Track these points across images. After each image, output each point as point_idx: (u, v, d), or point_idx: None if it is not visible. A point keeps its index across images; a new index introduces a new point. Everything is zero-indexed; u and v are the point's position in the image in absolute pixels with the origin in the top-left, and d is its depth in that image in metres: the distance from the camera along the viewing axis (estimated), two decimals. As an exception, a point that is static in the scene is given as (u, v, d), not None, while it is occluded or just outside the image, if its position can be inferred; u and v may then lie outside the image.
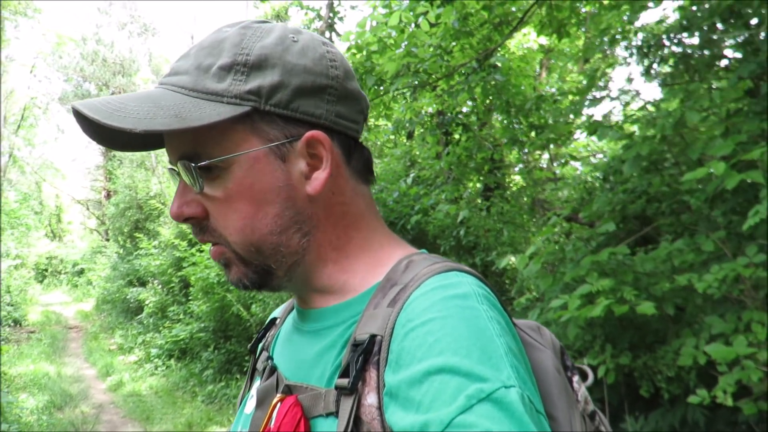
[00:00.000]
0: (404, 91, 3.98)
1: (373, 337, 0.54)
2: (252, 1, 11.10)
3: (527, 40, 6.96)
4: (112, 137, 0.63)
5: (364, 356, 0.54)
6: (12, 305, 12.25)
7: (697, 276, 2.32)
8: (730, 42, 2.61)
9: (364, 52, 3.78)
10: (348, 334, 0.60)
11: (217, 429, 5.66)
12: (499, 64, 4.66)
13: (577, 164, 6.60)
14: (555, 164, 6.74)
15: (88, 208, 23.67)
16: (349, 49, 3.82)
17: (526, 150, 4.89)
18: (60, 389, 7.15)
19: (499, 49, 4.22)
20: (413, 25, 3.63)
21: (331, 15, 9.63)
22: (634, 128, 2.97)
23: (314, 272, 0.65)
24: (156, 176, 11.69)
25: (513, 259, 3.55)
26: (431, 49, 3.56)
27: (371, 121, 6.17)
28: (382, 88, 3.85)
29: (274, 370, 0.68)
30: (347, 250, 0.65)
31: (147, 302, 9.99)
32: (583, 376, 0.69)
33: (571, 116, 3.26)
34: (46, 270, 24.28)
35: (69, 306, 16.89)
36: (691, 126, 2.53)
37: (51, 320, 13.60)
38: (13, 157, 20.30)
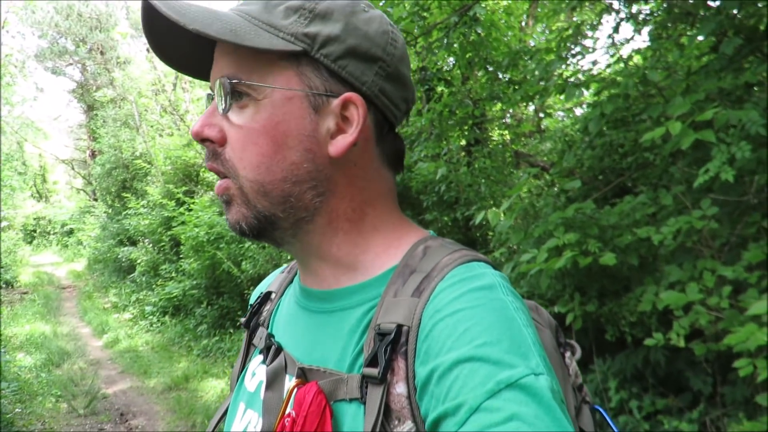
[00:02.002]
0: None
1: (399, 327, 0.55)
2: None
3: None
4: (172, 47, 0.64)
5: (392, 346, 0.54)
6: (2, 267, 12.33)
7: (655, 229, 2.46)
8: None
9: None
10: (368, 318, 0.60)
11: (213, 381, 5.91)
12: (481, 17, 4.65)
13: (563, 115, 6.65)
14: (541, 116, 6.79)
15: (73, 168, 23.42)
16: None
17: (503, 107, 4.94)
18: (57, 347, 7.35)
19: (478, 2, 4.20)
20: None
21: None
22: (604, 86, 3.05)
23: (323, 238, 0.64)
24: (140, 135, 11.58)
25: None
26: (407, 7, 3.56)
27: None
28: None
29: (280, 349, 0.67)
30: (360, 225, 0.65)
31: (139, 261, 10.12)
32: (573, 351, 0.71)
33: (537, 73, 3.31)
34: (35, 231, 24.25)
35: (60, 266, 17.01)
36: (656, 84, 2.62)
37: (43, 281, 13.74)
38: (-7, 117, 19.83)
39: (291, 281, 0.77)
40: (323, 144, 0.60)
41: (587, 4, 3.90)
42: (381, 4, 3.65)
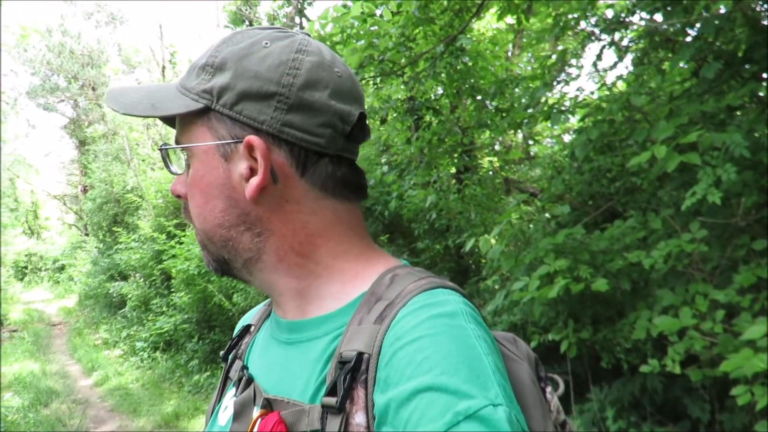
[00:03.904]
0: (369, 80, 4.03)
1: (360, 354, 0.54)
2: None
3: (496, 20, 7.01)
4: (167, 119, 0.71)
5: (352, 374, 0.53)
6: (-8, 305, 12.13)
7: (645, 253, 2.45)
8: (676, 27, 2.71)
9: (328, 44, 3.81)
10: (332, 348, 0.59)
11: (203, 418, 5.76)
12: (467, 47, 4.72)
13: (552, 142, 6.71)
14: (530, 143, 6.85)
15: (65, 204, 23.33)
16: (324, 39, 3.84)
17: (492, 135, 4.97)
18: (45, 386, 7.17)
19: (463, 33, 4.27)
20: (378, 13, 3.67)
21: (300, 0, 9.54)
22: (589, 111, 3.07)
23: (278, 274, 0.65)
24: (131, 169, 11.58)
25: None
26: (393, 38, 3.61)
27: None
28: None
29: (250, 381, 0.67)
30: (314, 257, 0.64)
31: (129, 296, 9.98)
32: (555, 386, 0.70)
33: (524, 101, 3.34)
34: (26, 267, 23.97)
35: (51, 303, 16.75)
36: (639, 108, 2.64)
37: (33, 318, 13.50)
38: (-16, 154, 19.83)
39: (269, 314, 0.77)
40: (240, 189, 0.62)
41: (569, 33, 3.97)
42: (366, 34, 3.70)
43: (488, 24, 6.92)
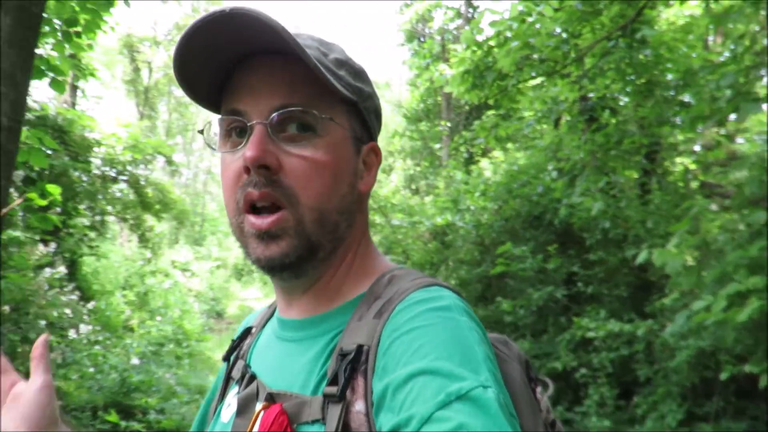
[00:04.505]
0: (529, 82, 3.86)
1: (360, 347, 0.57)
2: (401, 1, 11.47)
3: (689, 6, 6.16)
4: (199, 81, 0.65)
5: (352, 365, 0.56)
6: (215, 300, 14.38)
7: None
8: None
9: (485, 48, 3.76)
10: (333, 344, 0.62)
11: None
12: (648, 39, 4.24)
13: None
14: (739, 141, 5.88)
15: (272, 214, 26.68)
16: (468, 47, 3.83)
17: (684, 134, 4.36)
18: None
19: (638, 22, 3.85)
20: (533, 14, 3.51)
21: (470, 11, 9.58)
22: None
23: (336, 267, 0.68)
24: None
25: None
26: (551, 37, 3.41)
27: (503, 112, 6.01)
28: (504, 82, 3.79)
29: (253, 378, 0.69)
30: (355, 255, 0.70)
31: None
32: (545, 387, 0.71)
33: (721, 86, 2.84)
34: (243, 270, 27.94)
35: (261, 300, 19.23)
36: None
37: (246, 313, 15.64)
38: (211, 173, 23.76)
39: (271, 316, 0.79)
40: (358, 181, 0.68)
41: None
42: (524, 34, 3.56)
43: (679, 11, 6.13)
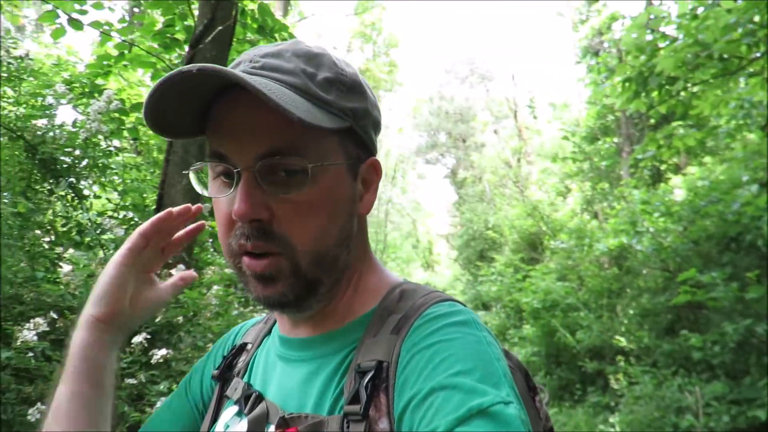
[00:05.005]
0: (703, 84, 3.42)
1: (380, 363, 0.56)
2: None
3: None
4: (172, 123, 0.61)
5: (373, 382, 0.55)
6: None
7: None
8: None
9: (647, 52, 3.45)
10: (347, 361, 0.61)
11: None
12: None
13: None
14: None
15: (448, 241, 27.10)
16: (628, 52, 3.56)
17: None
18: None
19: None
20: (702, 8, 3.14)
21: (651, 16, 8.78)
22: None
23: (342, 293, 0.66)
24: (491, 208, 12.66)
25: None
26: (729, 29, 2.99)
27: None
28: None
29: (260, 397, 0.67)
30: (362, 272, 0.68)
31: (489, 325, 10.78)
32: (543, 396, 0.71)
33: None
34: (421, 295, 28.72)
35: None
36: None
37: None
38: (392, 203, 25.14)
39: (268, 332, 0.77)
40: (357, 206, 0.65)
41: None
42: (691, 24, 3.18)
43: None
